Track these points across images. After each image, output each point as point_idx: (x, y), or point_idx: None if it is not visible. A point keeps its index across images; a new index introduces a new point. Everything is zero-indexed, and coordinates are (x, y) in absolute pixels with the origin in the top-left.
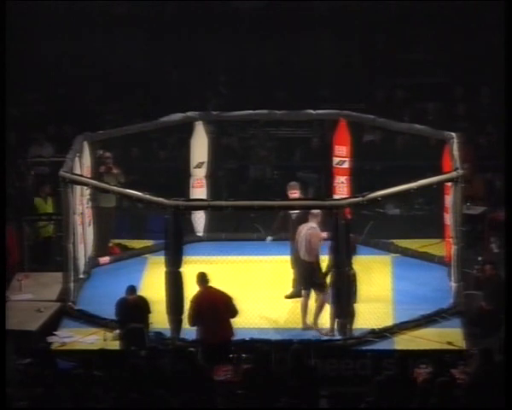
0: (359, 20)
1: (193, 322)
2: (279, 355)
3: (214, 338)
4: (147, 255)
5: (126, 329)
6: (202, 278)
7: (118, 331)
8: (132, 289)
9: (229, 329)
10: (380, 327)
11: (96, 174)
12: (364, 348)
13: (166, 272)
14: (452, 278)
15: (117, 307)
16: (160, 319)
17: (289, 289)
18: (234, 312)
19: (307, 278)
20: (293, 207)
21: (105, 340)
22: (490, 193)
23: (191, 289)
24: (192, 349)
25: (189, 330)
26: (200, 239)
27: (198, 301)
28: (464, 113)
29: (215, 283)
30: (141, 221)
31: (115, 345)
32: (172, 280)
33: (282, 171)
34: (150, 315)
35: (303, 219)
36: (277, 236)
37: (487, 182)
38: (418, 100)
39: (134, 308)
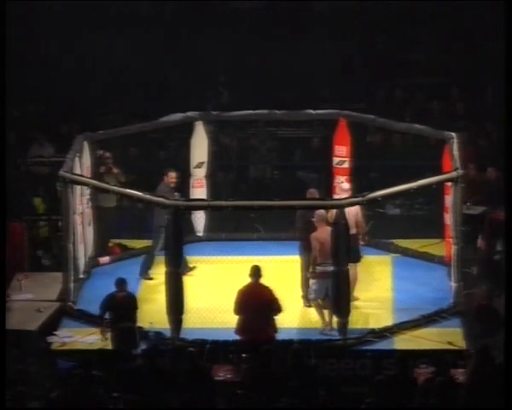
0: (359, 20)
1: (237, 311)
2: (279, 355)
3: (253, 334)
4: None
5: (117, 329)
6: (255, 272)
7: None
8: (122, 282)
9: (270, 328)
10: (380, 327)
11: (96, 174)
12: (364, 348)
13: (166, 272)
14: (452, 278)
15: (103, 303)
16: (160, 319)
17: (290, 290)
18: (277, 310)
19: (352, 250)
20: (293, 207)
21: (106, 339)
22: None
23: (191, 289)
24: (192, 349)
25: (189, 331)
26: (200, 239)
27: (244, 293)
28: (464, 113)
29: (215, 282)
30: (141, 221)
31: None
32: (172, 280)
33: (282, 171)
34: (138, 312)
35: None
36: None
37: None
38: (418, 100)
39: (121, 306)
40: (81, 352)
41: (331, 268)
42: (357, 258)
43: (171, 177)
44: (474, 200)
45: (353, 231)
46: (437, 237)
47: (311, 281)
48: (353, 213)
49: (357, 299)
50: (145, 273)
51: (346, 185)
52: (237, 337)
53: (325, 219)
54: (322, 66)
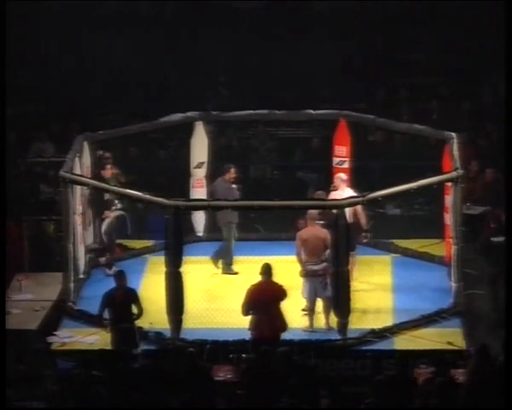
0: (359, 20)
1: (245, 311)
2: (278, 356)
3: (266, 330)
4: (147, 255)
5: (117, 329)
6: (266, 270)
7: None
8: (121, 275)
9: (282, 323)
10: (380, 327)
11: (96, 175)
12: (364, 348)
13: (166, 272)
14: (452, 278)
15: (102, 300)
16: (160, 319)
17: (290, 290)
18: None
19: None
20: (293, 207)
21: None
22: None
23: (192, 289)
24: (192, 349)
25: (189, 331)
26: (200, 239)
27: (256, 291)
28: (464, 112)
29: (215, 282)
30: (141, 221)
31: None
32: (172, 280)
33: (282, 171)
34: (141, 306)
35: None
36: None
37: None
38: (418, 100)
39: (121, 303)
40: (81, 352)
41: (317, 267)
42: (352, 247)
43: (232, 173)
44: (472, 199)
45: (350, 220)
46: (437, 237)
47: (302, 280)
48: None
49: (355, 279)
50: (228, 269)
51: (344, 176)
52: (236, 334)
53: (316, 219)
54: (322, 66)
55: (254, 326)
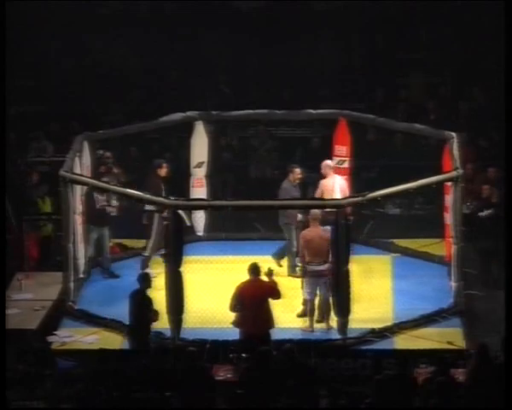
0: (359, 20)
1: (233, 307)
2: (277, 355)
3: (254, 328)
4: None
5: (131, 329)
6: (254, 270)
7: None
8: (143, 279)
9: (269, 321)
10: (380, 327)
11: (96, 174)
12: (364, 347)
13: (166, 272)
14: (452, 278)
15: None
16: (160, 318)
17: (289, 289)
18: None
19: None
20: (293, 207)
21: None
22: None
23: (191, 289)
24: (192, 349)
25: (189, 331)
26: (200, 239)
27: (244, 288)
28: (465, 112)
29: (215, 282)
30: (141, 221)
31: (115, 344)
32: (172, 280)
33: (282, 171)
34: (156, 312)
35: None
36: None
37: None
38: (418, 100)
39: (138, 307)
40: (81, 352)
41: (321, 267)
42: None
43: (297, 173)
44: (472, 198)
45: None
46: (437, 237)
47: (303, 280)
48: (342, 189)
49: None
50: (293, 271)
51: (331, 162)
52: (237, 334)
53: (319, 219)
54: (322, 66)
55: (239, 323)
